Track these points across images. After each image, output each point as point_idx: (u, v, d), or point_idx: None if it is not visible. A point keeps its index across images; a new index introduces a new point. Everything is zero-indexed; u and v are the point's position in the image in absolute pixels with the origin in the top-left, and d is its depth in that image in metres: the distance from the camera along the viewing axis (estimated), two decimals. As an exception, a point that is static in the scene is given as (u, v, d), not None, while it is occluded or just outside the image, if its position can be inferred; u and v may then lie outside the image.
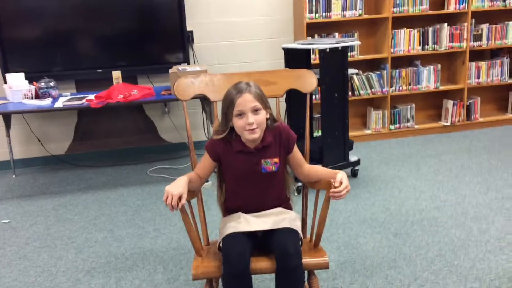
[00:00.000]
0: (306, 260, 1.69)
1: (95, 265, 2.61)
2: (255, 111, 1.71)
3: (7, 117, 4.09)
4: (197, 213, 1.91)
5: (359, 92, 4.60)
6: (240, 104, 1.69)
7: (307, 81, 2.00)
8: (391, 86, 4.66)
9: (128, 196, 3.58)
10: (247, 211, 1.82)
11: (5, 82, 3.91)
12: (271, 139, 1.80)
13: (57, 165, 4.46)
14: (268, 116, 1.78)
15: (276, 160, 1.80)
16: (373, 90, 4.62)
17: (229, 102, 1.72)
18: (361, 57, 4.58)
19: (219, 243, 1.74)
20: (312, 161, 3.54)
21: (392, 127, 4.76)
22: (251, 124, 1.69)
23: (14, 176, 4.23)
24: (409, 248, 2.61)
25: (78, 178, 4.09)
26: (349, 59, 4.46)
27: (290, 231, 1.71)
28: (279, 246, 1.65)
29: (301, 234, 1.76)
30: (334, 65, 3.42)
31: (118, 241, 2.89)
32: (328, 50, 3.36)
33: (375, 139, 4.74)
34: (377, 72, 4.62)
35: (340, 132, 3.55)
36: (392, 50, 4.56)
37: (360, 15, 4.46)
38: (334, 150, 3.54)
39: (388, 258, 2.51)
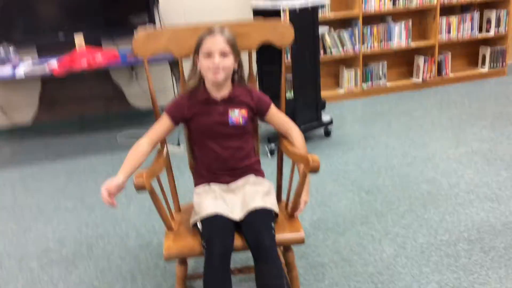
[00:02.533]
0: (281, 236, 1.60)
1: (66, 234, 2.57)
2: (223, 54, 1.65)
3: (-34, 86, 3.92)
4: (166, 183, 1.81)
5: (331, 51, 4.55)
6: (209, 43, 1.64)
7: (283, 33, 1.82)
8: (363, 43, 4.62)
9: (98, 164, 3.51)
10: (218, 175, 1.74)
11: (-39, 49, 3.71)
12: (240, 93, 1.74)
13: (23, 134, 4.32)
14: (236, 66, 1.72)
15: (244, 112, 1.72)
16: (345, 48, 4.57)
17: (199, 40, 1.67)
18: (331, 15, 4.50)
19: (196, 222, 1.63)
20: (284, 121, 3.51)
21: (364, 85, 4.75)
22: (216, 64, 1.63)
23: (-22, 147, 4.09)
24: (381, 204, 2.63)
25: (45, 148, 3.98)
26: (320, 16, 4.40)
27: (264, 216, 1.60)
28: (253, 238, 1.55)
29: (275, 210, 1.66)
30: (304, 24, 3.35)
31: (89, 209, 2.83)
32: (297, 11, 3.27)
33: (348, 98, 4.73)
34: (349, 29, 4.56)
35: (312, 92, 3.51)
36: (363, 7, 4.49)
37: (329, -30, 4.35)
38: (306, 111, 3.51)
39: (360, 215, 2.53)
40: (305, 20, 3.34)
